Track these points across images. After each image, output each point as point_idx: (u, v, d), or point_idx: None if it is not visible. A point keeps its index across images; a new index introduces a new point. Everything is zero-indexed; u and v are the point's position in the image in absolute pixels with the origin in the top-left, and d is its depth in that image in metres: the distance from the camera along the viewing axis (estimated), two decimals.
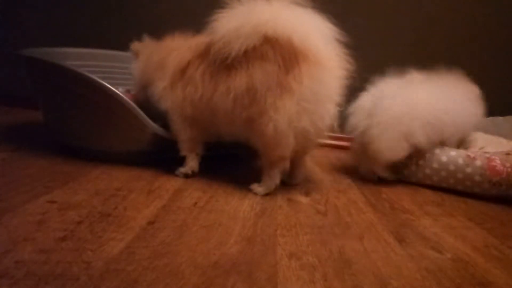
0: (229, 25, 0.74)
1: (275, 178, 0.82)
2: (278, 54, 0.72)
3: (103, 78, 0.84)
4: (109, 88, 0.83)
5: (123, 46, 1.32)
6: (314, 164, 1.19)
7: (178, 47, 0.87)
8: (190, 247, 0.56)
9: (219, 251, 0.56)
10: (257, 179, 0.94)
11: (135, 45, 1.00)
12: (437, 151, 1.01)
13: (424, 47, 1.45)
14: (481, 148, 1.04)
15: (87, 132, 0.92)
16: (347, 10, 1.46)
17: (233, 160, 1.10)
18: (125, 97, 0.84)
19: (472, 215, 0.85)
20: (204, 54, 0.80)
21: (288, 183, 0.90)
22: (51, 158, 0.91)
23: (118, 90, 0.84)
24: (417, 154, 1.02)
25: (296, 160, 0.88)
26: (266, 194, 0.83)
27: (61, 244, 0.53)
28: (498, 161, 0.94)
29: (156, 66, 0.89)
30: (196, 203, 0.74)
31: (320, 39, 0.74)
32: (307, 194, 0.88)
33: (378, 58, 1.48)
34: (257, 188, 0.83)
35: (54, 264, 0.48)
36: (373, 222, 0.74)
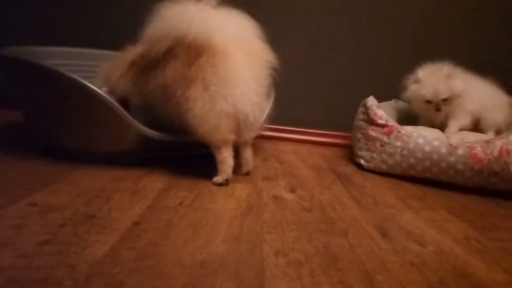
0: (149, 31, 0.83)
1: (227, 161, 0.86)
2: (185, 51, 0.80)
3: (86, 78, 0.83)
4: (91, 88, 0.81)
5: (108, 44, 1.30)
6: (298, 161, 1.20)
7: (133, 48, 0.96)
8: (176, 247, 0.56)
9: (206, 250, 0.56)
10: (242, 177, 0.94)
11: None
12: (420, 140, 1.03)
13: (424, 47, 1.47)
14: (462, 139, 1.07)
15: (69, 133, 0.90)
16: (347, 10, 1.47)
17: None
18: (107, 96, 0.82)
19: (453, 208, 0.87)
20: (142, 56, 0.89)
21: (239, 173, 0.94)
22: (31, 160, 0.89)
23: (101, 90, 0.83)
24: (401, 144, 1.05)
25: (239, 149, 0.93)
26: (226, 181, 0.86)
27: (43, 248, 0.52)
28: (479, 149, 0.97)
29: (117, 58, 1.00)
30: (181, 202, 0.74)
31: (224, 34, 0.81)
32: (292, 190, 0.88)
33: (378, 57, 1.50)
34: (215, 178, 0.86)
35: (35, 269, 0.47)
36: (357, 217, 0.75)
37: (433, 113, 1.20)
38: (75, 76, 0.81)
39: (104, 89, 0.93)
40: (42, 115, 0.92)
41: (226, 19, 0.84)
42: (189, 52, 0.80)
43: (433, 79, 1.17)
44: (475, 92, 1.20)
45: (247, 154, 0.95)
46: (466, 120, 1.21)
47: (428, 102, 1.19)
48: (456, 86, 1.16)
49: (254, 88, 0.84)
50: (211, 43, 0.79)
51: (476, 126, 1.24)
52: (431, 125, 1.23)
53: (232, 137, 0.85)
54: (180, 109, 0.82)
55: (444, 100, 1.17)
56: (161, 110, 0.88)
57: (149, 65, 0.86)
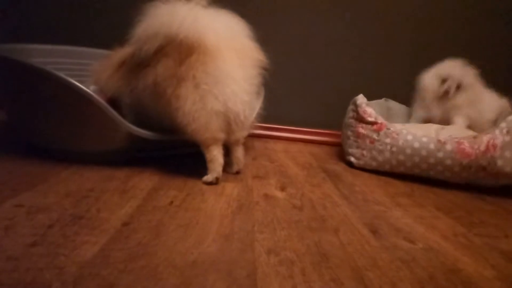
0: (139, 30, 0.82)
1: (216, 160, 0.86)
2: (175, 51, 0.80)
3: (72, 76, 0.81)
4: (79, 87, 0.80)
5: (96, 42, 1.29)
6: (289, 159, 1.20)
7: (124, 48, 0.95)
8: (167, 247, 0.55)
9: (197, 250, 0.55)
10: (232, 176, 0.94)
11: None
12: (409, 137, 1.05)
13: (415, 46, 1.49)
14: (449, 135, 1.09)
15: (56, 132, 0.89)
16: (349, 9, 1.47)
17: None
18: (95, 95, 0.81)
19: (441, 205, 0.89)
20: (132, 55, 0.89)
21: (229, 172, 0.95)
22: (17, 160, 0.87)
23: (89, 89, 0.82)
24: (391, 141, 1.07)
25: (229, 148, 0.93)
26: (216, 180, 0.85)
27: (31, 250, 0.51)
28: (467, 144, 0.99)
29: (106, 59, 0.99)
30: (172, 202, 0.73)
31: (214, 33, 0.82)
32: (282, 189, 0.88)
33: (369, 56, 1.51)
34: (205, 177, 0.86)
35: (23, 271, 0.46)
36: (347, 215, 0.76)
37: (435, 101, 1.25)
38: (61, 75, 0.80)
39: (92, 87, 0.91)
40: (28, 114, 0.91)
41: (217, 18, 0.84)
42: (180, 50, 0.80)
43: (452, 64, 1.24)
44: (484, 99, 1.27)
45: (238, 153, 0.95)
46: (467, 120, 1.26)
47: (443, 81, 1.24)
48: (470, 78, 1.22)
49: (245, 87, 0.85)
50: (202, 42, 0.79)
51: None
52: (429, 120, 1.27)
53: (222, 135, 0.85)
54: (170, 107, 0.82)
55: (458, 88, 1.22)
56: (151, 110, 0.88)
57: (139, 64, 0.85)
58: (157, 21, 0.81)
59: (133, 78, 0.88)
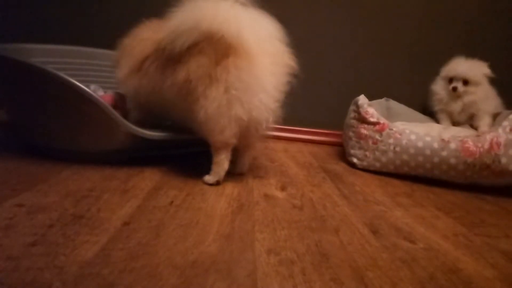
0: (173, 23, 0.79)
1: (222, 164, 0.85)
2: (212, 48, 0.78)
3: (73, 76, 0.81)
4: (79, 86, 0.80)
5: (96, 42, 1.29)
6: (289, 159, 1.20)
7: (146, 39, 0.92)
8: (167, 247, 0.55)
9: (197, 250, 0.55)
10: (232, 175, 0.94)
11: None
12: (413, 137, 1.05)
13: (417, 47, 1.49)
14: (452, 135, 1.09)
15: (56, 132, 0.89)
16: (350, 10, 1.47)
17: (208, 157, 1.09)
18: (95, 95, 0.81)
19: (441, 205, 0.89)
20: (159, 49, 0.86)
21: (231, 171, 0.92)
22: (17, 159, 0.87)
23: (89, 88, 0.82)
24: (394, 141, 1.07)
25: (240, 151, 0.93)
26: (217, 182, 0.85)
27: (31, 250, 0.51)
28: (471, 143, 0.99)
29: (123, 52, 0.96)
30: (172, 201, 0.73)
31: (253, 36, 0.79)
32: (283, 189, 0.88)
33: (370, 56, 1.51)
34: (207, 177, 0.86)
35: (24, 271, 0.46)
36: (347, 215, 0.76)
37: (449, 98, 1.28)
38: (62, 74, 0.80)
39: (92, 87, 0.91)
40: (28, 114, 0.91)
41: (257, 19, 0.81)
42: (217, 49, 0.77)
43: (460, 61, 1.27)
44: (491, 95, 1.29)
45: (245, 158, 0.94)
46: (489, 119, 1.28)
47: (450, 81, 1.27)
48: (483, 71, 1.24)
49: (274, 95, 0.83)
50: (241, 43, 0.77)
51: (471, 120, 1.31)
52: (448, 119, 1.31)
53: (233, 141, 0.84)
54: (196, 105, 0.80)
55: (465, 83, 1.24)
56: (167, 109, 0.88)
57: (168, 60, 0.82)
58: (197, 14, 0.78)
59: (159, 75, 0.85)
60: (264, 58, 0.80)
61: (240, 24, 0.77)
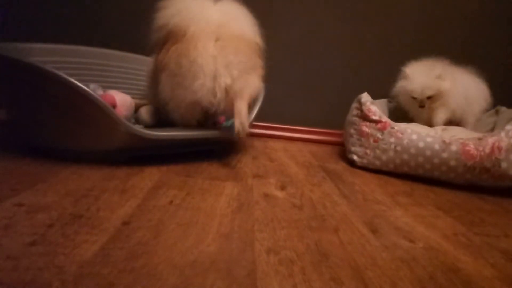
0: (155, 20, 0.90)
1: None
2: (162, 40, 0.88)
3: (72, 75, 0.81)
4: (78, 85, 0.80)
5: (96, 42, 1.28)
6: (289, 158, 1.20)
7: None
8: (167, 247, 0.55)
9: (197, 249, 0.55)
10: (232, 175, 0.94)
11: None
12: (414, 136, 1.05)
13: (419, 45, 1.49)
14: (453, 136, 1.09)
15: (56, 132, 0.89)
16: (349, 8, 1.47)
17: (208, 156, 1.09)
18: (94, 94, 0.81)
19: (440, 204, 0.89)
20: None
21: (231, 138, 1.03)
22: (17, 159, 0.87)
23: (89, 87, 0.81)
24: (395, 140, 1.07)
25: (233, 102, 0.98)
26: None
27: (30, 249, 0.51)
28: (472, 146, 0.99)
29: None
30: (172, 201, 0.73)
31: (204, 22, 0.86)
32: (282, 188, 0.88)
33: (370, 55, 1.51)
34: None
35: (23, 270, 0.46)
36: (347, 214, 0.76)
37: (418, 109, 1.24)
38: (61, 74, 0.80)
39: (91, 86, 0.92)
40: (28, 114, 0.90)
41: (210, 8, 0.88)
42: (171, 39, 0.86)
43: (421, 77, 1.20)
44: (460, 90, 1.23)
45: (239, 106, 0.90)
46: (448, 115, 1.24)
47: (414, 98, 1.22)
48: (443, 86, 1.19)
49: (224, 74, 0.87)
50: (185, 31, 0.84)
51: (456, 119, 1.29)
52: (417, 120, 1.27)
53: (194, 122, 0.96)
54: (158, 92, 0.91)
55: (429, 98, 1.20)
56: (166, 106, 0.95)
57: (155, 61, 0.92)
58: (166, 12, 0.88)
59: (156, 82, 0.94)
60: (210, 42, 0.85)
61: (188, 14, 0.85)
